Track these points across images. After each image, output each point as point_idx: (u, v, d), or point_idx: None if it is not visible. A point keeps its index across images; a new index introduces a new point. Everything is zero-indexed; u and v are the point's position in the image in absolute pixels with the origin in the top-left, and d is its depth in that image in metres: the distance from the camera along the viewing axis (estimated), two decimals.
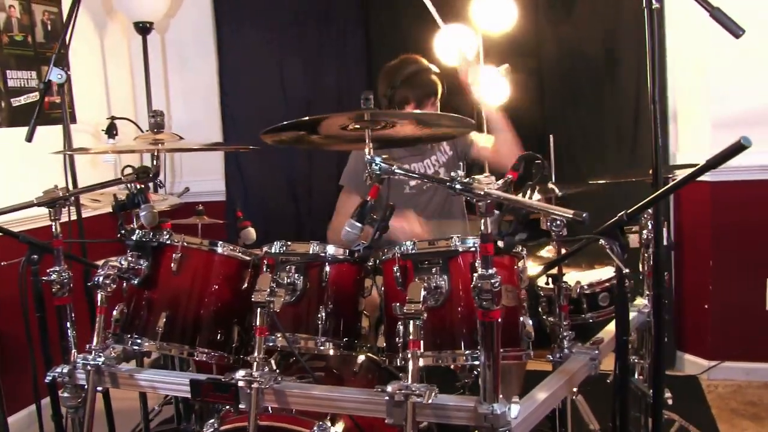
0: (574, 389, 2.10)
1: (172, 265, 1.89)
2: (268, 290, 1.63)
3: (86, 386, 1.79)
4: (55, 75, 2.25)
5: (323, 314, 1.79)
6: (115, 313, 1.94)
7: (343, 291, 1.85)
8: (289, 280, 1.76)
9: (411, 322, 1.48)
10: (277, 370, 1.80)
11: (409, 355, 1.47)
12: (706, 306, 3.42)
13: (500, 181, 1.44)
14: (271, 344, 1.80)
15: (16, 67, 3.23)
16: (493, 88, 3.37)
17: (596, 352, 1.91)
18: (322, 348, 1.80)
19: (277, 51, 4.01)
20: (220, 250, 1.95)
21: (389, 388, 1.46)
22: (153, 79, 3.96)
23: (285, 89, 4.05)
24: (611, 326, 2.22)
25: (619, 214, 1.52)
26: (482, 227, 1.42)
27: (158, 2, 3.75)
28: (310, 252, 1.82)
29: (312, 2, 4.02)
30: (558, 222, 1.93)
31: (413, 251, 1.69)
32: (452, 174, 1.44)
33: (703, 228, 3.39)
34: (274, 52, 4.01)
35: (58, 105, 3.53)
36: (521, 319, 1.75)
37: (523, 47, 3.88)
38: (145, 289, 1.92)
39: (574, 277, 2.39)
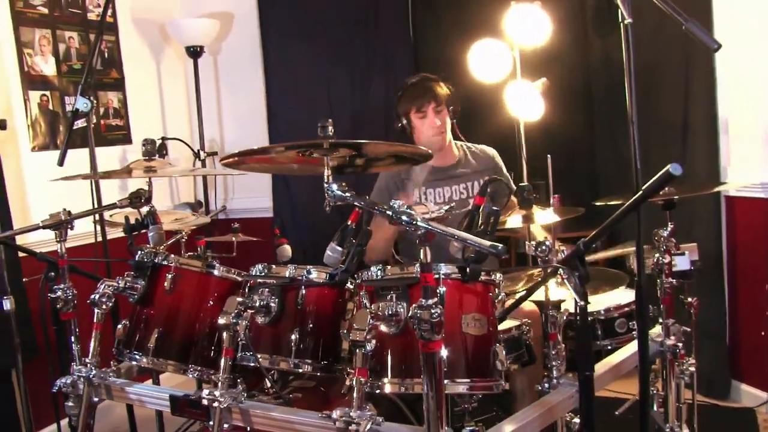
0: (576, 420, 2.01)
1: (166, 284, 1.99)
2: (234, 312, 1.69)
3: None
4: (81, 104, 2.41)
5: (297, 336, 1.82)
6: (119, 327, 2.07)
7: (320, 313, 1.87)
8: (262, 303, 1.80)
9: (357, 350, 1.48)
10: (273, 389, 1.88)
11: (353, 383, 1.47)
12: (762, 333, 3.16)
13: (443, 208, 1.41)
14: (252, 364, 1.85)
15: (74, 94, 3.48)
16: (528, 104, 3.33)
17: None
18: (299, 369, 1.83)
19: (324, 69, 4.08)
20: (215, 272, 2.03)
21: (334, 414, 1.47)
22: (207, 101, 4.16)
23: (332, 107, 4.12)
24: (610, 357, 2.13)
25: (578, 243, 1.46)
26: (421, 256, 1.40)
27: (208, 27, 3.93)
28: (287, 275, 1.85)
29: (358, 20, 4.07)
30: (543, 247, 1.88)
31: (376, 278, 1.69)
32: (391, 202, 1.43)
33: (759, 249, 3.15)
34: (320, 71, 4.08)
35: (115, 127, 3.79)
36: (493, 348, 1.70)
37: (569, 61, 3.78)
38: (143, 307, 2.03)
39: (594, 300, 2.30)
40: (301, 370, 1.82)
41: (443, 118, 2.73)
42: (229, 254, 3.18)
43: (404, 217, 1.38)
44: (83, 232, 2.79)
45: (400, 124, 2.76)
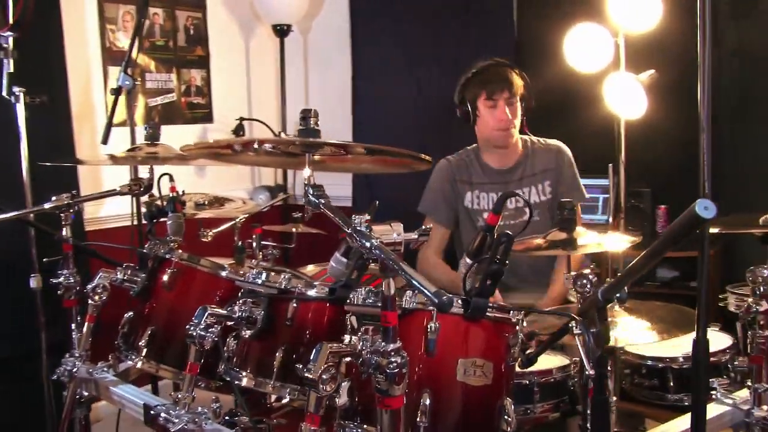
0: None
1: (165, 278, 1.83)
2: (203, 324, 1.48)
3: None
4: (123, 81, 2.32)
5: (281, 356, 1.58)
6: (124, 319, 1.93)
7: (314, 332, 1.62)
8: (243, 314, 1.58)
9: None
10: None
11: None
12: None
13: (416, 232, 1.11)
14: (236, 382, 1.64)
15: (156, 71, 3.46)
16: (630, 99, 2.85)
17: None
18: (282, 396, 1.60)
19: (414, 53, 3.77)
20: (222, 272, 1.83)
21: None
22: (293, 82, 4.01)
23: (421, 91, 3.82)
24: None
25: (595, 291, 1.09)
26: (384, 288, 1.11)
27: (296, 5, 3.76)
28: (278, 285, 1.61)
29: (455, 3, 3.72)
30: (584, 281, 1.51)
31: None
32: (353, 217, 1.14)
33: None
34: (410, 55, 3.77)
35: (197, 105, 3.74)
36: (500, 402, 1.38)
37: (687, 49, 3.22)
38: (143, 302, 1.89)
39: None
40: (284, 399, 1.59)
41: (514, 112, 2.41)
42: (287, 245, 3.03)
43: (359, 238, 1.10)
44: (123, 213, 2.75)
45: (463, 110, 2.49)
